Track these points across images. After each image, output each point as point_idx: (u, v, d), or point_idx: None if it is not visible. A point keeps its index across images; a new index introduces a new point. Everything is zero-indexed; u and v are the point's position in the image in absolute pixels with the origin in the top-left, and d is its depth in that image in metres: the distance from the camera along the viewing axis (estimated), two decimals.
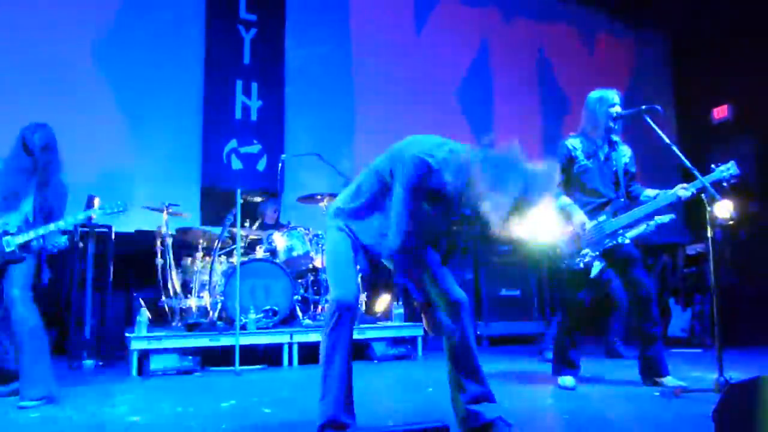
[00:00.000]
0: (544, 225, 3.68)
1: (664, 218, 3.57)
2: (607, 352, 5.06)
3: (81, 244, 5.01)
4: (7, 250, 3.34)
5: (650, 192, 3.64)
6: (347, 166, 6.25)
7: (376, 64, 7.41)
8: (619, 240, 3.56)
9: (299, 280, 5.26)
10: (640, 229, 3.55)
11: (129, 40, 6.28)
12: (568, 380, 3.56)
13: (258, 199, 5.65)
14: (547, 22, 8.58)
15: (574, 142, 3.72)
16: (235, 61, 6.73)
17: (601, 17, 8.97)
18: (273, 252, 5.09)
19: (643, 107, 3.45)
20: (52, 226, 3.42)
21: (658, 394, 3.28)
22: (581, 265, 3.53)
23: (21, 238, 3.38)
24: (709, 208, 3.26)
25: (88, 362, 4.76)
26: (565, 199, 3.63)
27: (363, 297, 5.46)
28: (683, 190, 3.43)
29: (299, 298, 5.14)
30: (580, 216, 3.56)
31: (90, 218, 3.57)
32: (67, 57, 5.94)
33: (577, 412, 2.95)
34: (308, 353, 4.76)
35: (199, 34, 6.64)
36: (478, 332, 6.24)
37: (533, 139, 8.18)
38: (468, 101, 7.92)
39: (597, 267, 3.52)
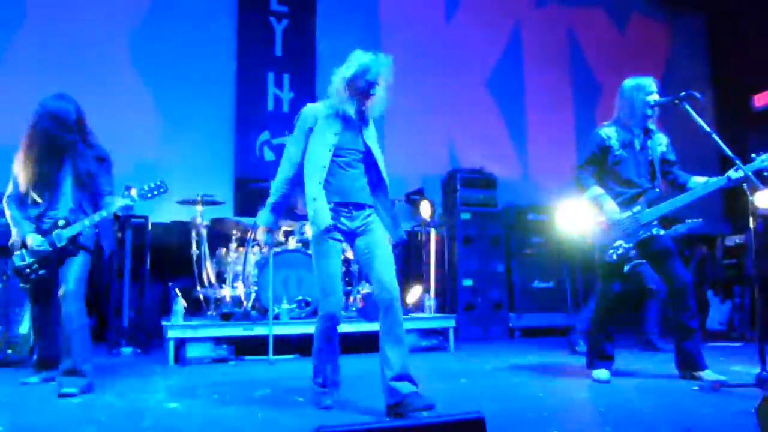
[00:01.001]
0: (579, 216, 3.65)
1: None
2: (643, 345, 4.98)
3: (119, 234, 5.12)
4: (60, 245, 3.33)
5: (698, 179, 3.53)
6: None
7: (406, 53, 7.35)
8: (654, 231, 3.49)
9: None
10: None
11: (162, 35, 6.38)
12: (602, 373, 3.51)
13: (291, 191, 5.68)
14: (579, 5, 8.41)
15: (608, 131, 3.65)
16: (266, 53, 6.78)
17: None
18: (305, 243, 5.12)
19: (682, 94, 3.37)
20: (97, 217, 3.39)
21: (697, 388, 3.22)
22: (614, 257, 3.47)
23: (71, 231, 3.35)
24: (750, 198, 3.17)
25: (127, 350, 4.88)
26: (597, 190, 3.57)
27: None
28: (734, 172, 3.31)
29: None
30: (612, 206, 3.50)
31: (133, 201, 3.43)
32: (104, 53, 6.07)
33: (613, 405, 2.91)
34: (341, 343, 4.78)
35: (231, 27, 6.71)
36: (510, 324, 6.21)
37: (566, 126, 8.06)
38: (499, 90, 7.84)
39: (630, 258, 3.45)
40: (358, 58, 3.03)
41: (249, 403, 3.04)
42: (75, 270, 3.34)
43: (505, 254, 6.40)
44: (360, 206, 2.97)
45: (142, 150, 6.05)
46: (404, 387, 2.70)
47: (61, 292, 3.31)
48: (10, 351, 4.14)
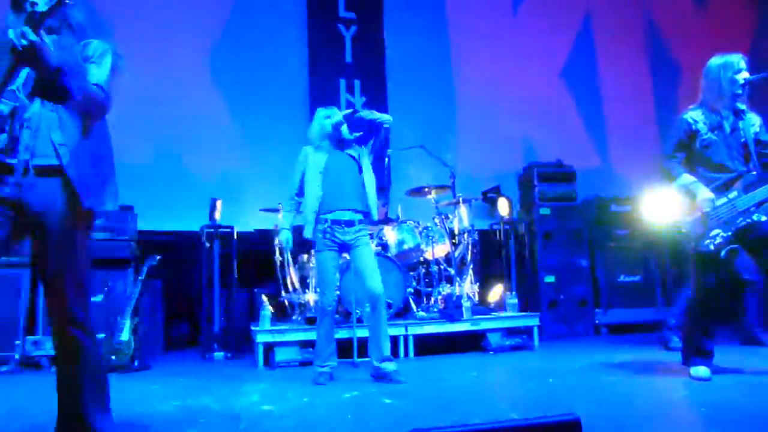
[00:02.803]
0: (668, 206, 3.48)
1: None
2: (745, 339, 4.70)
3: (207, 244, 5.35)
4: None
5: None
6: (452, 157, 6.23)
7: (475, 49, 7.31)
8: (755, 218, 3.28)
9: (411, 273, 5.31)
10: None
11: (237, 50, 6.63)
12: (701, 371, 3.34)
13: None
14: None
15: (694, 115, 3.47)
16: (337, 60, 6.90)
17: None
18: (384, 246, 5.17)
19: None
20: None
21: None
22: (711, 247, 3.28)
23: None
24: None
25: (219, 354, 5.09)
26: (688, 177, 3.39)
27: (476, 287, 5.43)
28: None
29: (412, 290, 5.19)
30: (706, 193, 3.31)
31: None
32: (185, 72, 6.37)
33: (716, 405, 2.76)
34: (423, 344, 4.81)
35: (302, 37, 6.88)
36: (597, 321, 6.01)
37: (645, 112, 7.75)
38: (573, 79, 7.64)
39: (727, 248, 3.26)
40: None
41: (338, 404, 3.11)
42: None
43: (588, 248, 6.19)
44: None
45: (226, 162, 6.32)
46: (388, 366, 3.71)
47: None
48: (113, 357, 4.41)
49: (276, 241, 5.18)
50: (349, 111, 4.02)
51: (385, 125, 3.99)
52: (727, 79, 3.37)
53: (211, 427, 2.75)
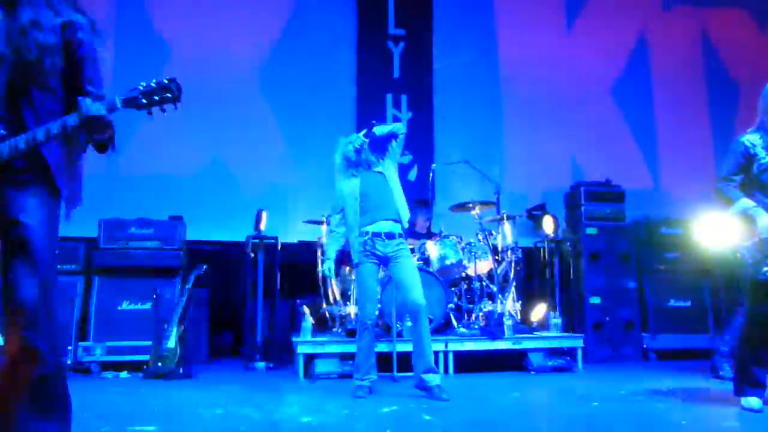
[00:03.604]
0: (725, 230, 3.37)
1: None
2: None
3: (252, 255, 5.45)
4: None
5: None
6: (497, 173, 6.19)
7: (524, 64, 7.27)
8: None
9: (453, 289, 5.28)
10: None
11: (288, 63, 6.78)
12: (753, 401, 3.20)
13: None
14: (713, 5, 7.86)
15: (752, 138, 3.36)
16: (385, 76, 6.97)
17: None
18: (426, 261, 5.16)
19: None
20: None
21: None
22: None
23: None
24: None
25: (260, 364, 5.15)
26: (747, 202, 3.28)
27: (518, 305, 5.36)
28: None
29: (453, 306, 5.15)
30: (766, 219, 3.20)
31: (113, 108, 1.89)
32: (236, 86, 6.55)
33: None
34: (464, 361, 4.76)
35: (351, 54, 6.98)
36: (644, 345, 5.83)
37: (701, 133, 7.53)
38: (625, 97, 7.49)
39: None
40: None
41: (377, 418, 3.10)
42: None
43: (636, 271, 6.02)
44: None
45: (272, 174, 6.46)
46: (432, 379, 3.69)
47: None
48: (160, 364, 4.52)
49: (318, 266, 5.25)
50: (364, 132, 4.04)
51: (400, 134, 4.05)
52: None
53: None
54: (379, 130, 4.06)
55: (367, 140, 4.00)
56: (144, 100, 1.84)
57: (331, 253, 4.16)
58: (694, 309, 5.98)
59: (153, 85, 1.85)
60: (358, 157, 4.01)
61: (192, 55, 6.38)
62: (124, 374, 4.72)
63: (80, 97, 1.79)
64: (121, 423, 2.96)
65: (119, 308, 5.06)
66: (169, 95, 1.85)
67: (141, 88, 1.84)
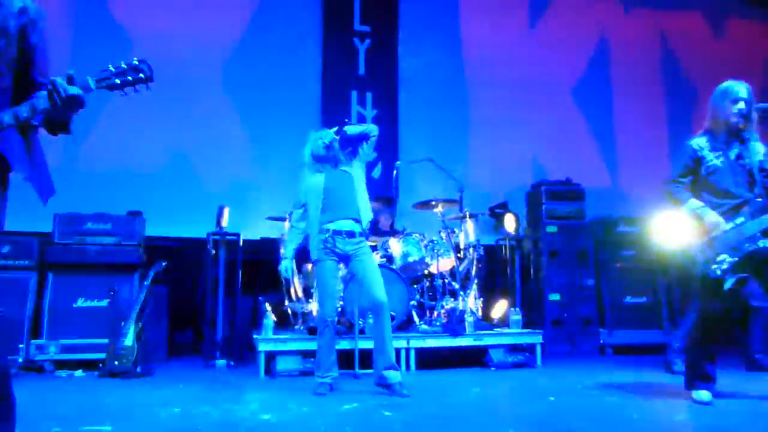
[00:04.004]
0: (678, 229, 3.47)
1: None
2: (749, 365, 4.65)
3: (213, 251, 5.37)
4: None
5: None
6: (461, 171, 6.24)
7: (488, 64, 7.34)
8: (760, 244, 3.26)
9: (415, 286, 5.31)
10: None
11: (252, 59, 6.70)
12: (703, 394, 3.31)
13: (373, 206, 5.77)
14: (671, 8, 8.07)
15: (699, 142, 3.47)
16: (350, 73, 6.96)
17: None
18: (389, 258, 5.18)
19: None
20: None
21: None
22: (718, 272, 3.26)
23: None
24: None
25: (221, 362, 5.08)
26: (696, 202, 3.39)
27: (479, 302, 5.42)
28: None
29: (415, 303, 5.18)
30: (713, 218, 3.31)
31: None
32: (198, 80, 6.45)
33: (716, 428, 2.75)
34: (425, 358, 4.79)
35: (316, 49, 6.95)
36: (601, 341, 5.97)
37: (658, 134, 7.73)
38: (586, 97, 7.65)
39: (732, 276, 3.24)
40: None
41: (338, 415, 3.10)
42: None
43: (594, 268, 6.17)
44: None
45: (235, 170, 6.39)
46: (393, 376, 3.70)
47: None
48: (116, 362, 4.42)
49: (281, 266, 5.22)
50: (335, 129, 4.04)
51: (372, 136, 4.05)
52: (725, 108, 3.37)
53: None
54: (351, 129, 4.06)
55: (338, 137, 3.99)
56: (117, 80, 1.83)
57: (289, 252, 4.15)
58: (650, 305, 6.15)
59: (124, 66, 1.84)
60: (327, 153, 3.99)
61: (154, 50, 6.20)
62: (78, 373, 4.61)
63: (53, 78, 1.75)
64: (74, 423, 2.89)
65: (74, 305, 4.94)
66: (141, 75, 1.86)
67: (112, 69, 1.83)
